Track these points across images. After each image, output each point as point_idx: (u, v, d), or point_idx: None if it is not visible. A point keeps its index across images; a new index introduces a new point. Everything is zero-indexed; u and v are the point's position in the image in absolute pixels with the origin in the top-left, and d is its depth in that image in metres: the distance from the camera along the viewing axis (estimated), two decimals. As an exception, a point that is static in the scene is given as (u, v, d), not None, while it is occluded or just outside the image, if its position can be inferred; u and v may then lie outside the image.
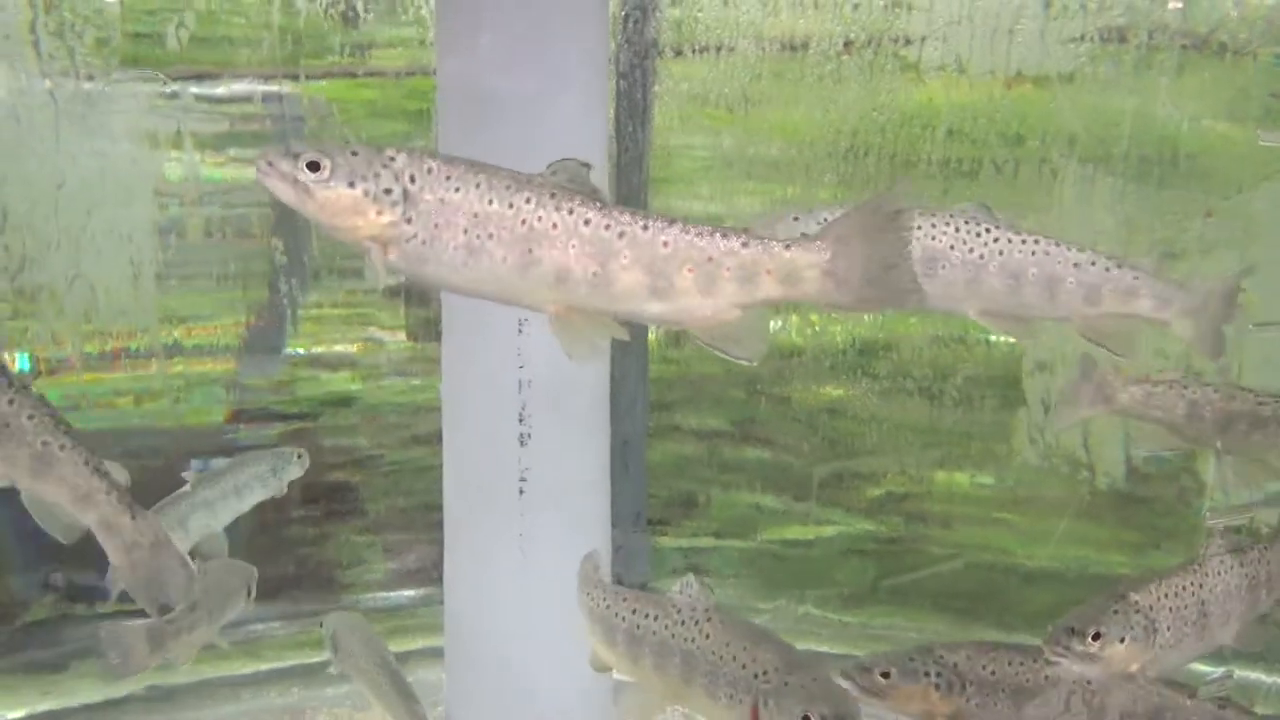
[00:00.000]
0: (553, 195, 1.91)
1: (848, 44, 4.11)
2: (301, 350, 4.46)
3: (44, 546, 4.05)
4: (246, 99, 4.16)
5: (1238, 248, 3.76)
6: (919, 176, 4.12)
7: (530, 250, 1.89)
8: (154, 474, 4.09)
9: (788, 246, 1.91)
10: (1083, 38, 3.85)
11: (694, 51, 4.33)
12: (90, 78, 3.86)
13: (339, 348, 4.51)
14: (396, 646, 4.21)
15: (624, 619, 2.42)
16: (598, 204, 1.92)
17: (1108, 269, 2.31)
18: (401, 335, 4.57)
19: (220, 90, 4.11)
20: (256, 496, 3.42)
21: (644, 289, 1.90)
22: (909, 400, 4.33)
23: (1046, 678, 2.57)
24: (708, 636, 2.33)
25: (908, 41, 4.05)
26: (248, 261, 4.28)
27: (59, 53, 3.80)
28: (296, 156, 1.84)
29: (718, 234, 1.93)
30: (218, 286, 4.23)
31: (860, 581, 4.50)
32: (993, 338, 4.22)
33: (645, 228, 1.91)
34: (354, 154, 1.87)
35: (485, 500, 2.75)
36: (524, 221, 1.89)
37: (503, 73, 2.61)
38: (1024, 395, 4.16)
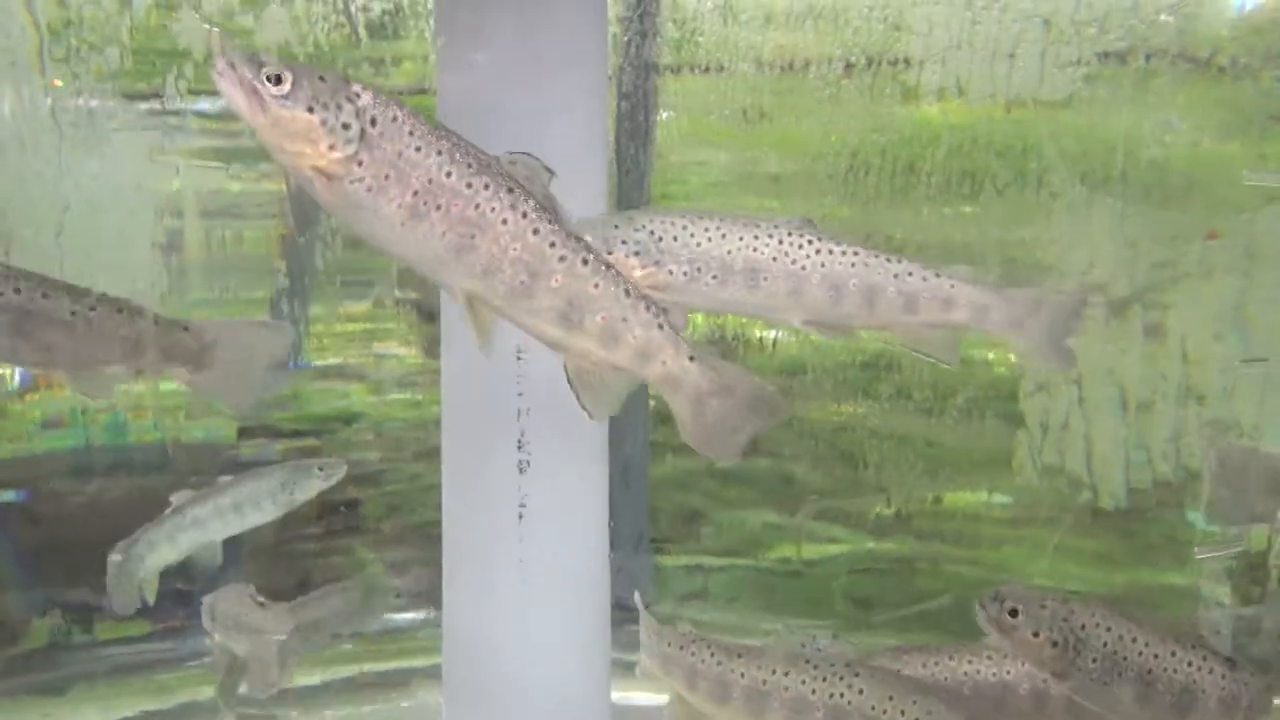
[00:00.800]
0: (510, 190, 1.89)
1: (848, 66, 4.13)
2: (307, 364, 4.47)
3: (45, 568, 4.10)
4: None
5: (1239, 271, 3.76)
6: (917, 198, 4.14)
7: (472, 236, 1.86)
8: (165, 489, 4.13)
9: (692, 357, 1.97)
10: (1080, 61, 3.86)
11: (696, 71, 4.35)
12: (95, 99, 3.89)
13: (343, 361, 4.51)
14: (400, 665, 4.23)
15: (742, 675, 2.34)
16: (548, 215, 1.91)
17: (925, 279, 2.35)
18: (406, 350, 4.57)
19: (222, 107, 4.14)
20: (268, 513, 3.39)
21: (556, 315, 1.91)
22: (911, 419, 4.32)
23: (964, 675, 2.57)
24: (861, 691, 2.26)
25: (907, 64, 4.07)
26: (251, 277, 4.29)
27: (64, 76, 3.83)
28: (260, 65, 1.75)
29: (643, 302, 1.95)
30: (221, 302, 4.24)
31: (863, 601, 4.48)
32: (992, 357, 4.23)
33: (585, 262, 1.92)
34: (321, 79, 1.79)
35: (484, 527, 2.75)
36: (477, 206, 1.86)
37: (502, 89, 2.62)
38: (1023, 416, 4.16)
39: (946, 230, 4.14)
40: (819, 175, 4.25)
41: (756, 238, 2.31)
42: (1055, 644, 2.36)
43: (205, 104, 4.09)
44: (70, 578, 4.02)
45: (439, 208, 1.84)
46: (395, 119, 1.83)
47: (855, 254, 2.34)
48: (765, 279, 2.30)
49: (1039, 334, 2.36)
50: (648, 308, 1.96)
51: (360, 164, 1.81)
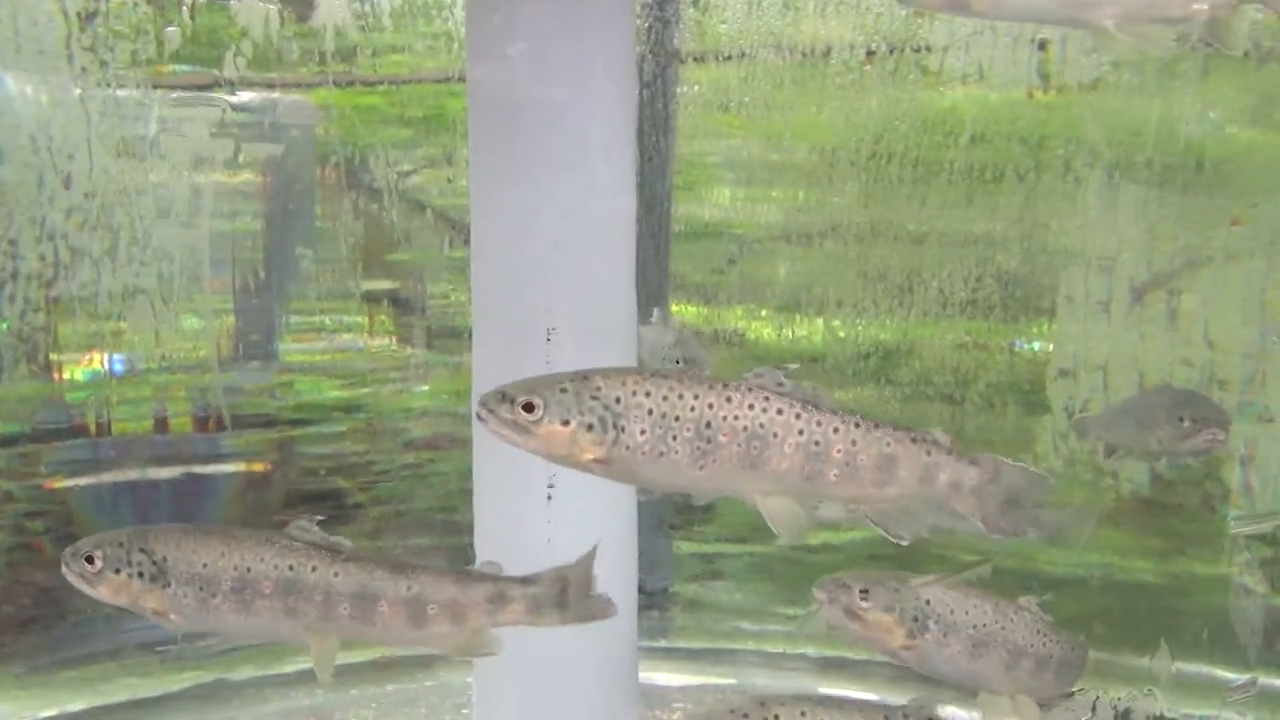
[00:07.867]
0: None
1: (870, 53, 4.12)
2: (291, 358, 4.47)
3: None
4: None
5: (1264, 256, 3.75)
6: (940, 184, 4.13)
7: None
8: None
9: None
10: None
11: (717, 59, 4.35)
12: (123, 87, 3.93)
13: (327, 355, 4.51)
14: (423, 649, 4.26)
15: None
16: None
17: None
18: (389, 340, 4.58)
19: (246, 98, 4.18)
20: None
21: None
22: (931, 406, 4.32)
23: None
24: None
25: (929, 49, 4.06)
26: (238, 267, 4.29)
27: (91, 65, 3.86)
28: None
29: None
30: (209, 291, 4.25)
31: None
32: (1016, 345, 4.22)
33: None
34: None
35: (513, 509, 2.79)
36: None
37: (531, 79, 2.63)
38: (1048, 401, 4.16)
39: (970, 218, 4.14)
40: (841, 162, 4.25)
41: None
42: (915, 619, 2.50)
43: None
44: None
45: None
46: None
47: None
48: None
49: None
50: None
51: None
